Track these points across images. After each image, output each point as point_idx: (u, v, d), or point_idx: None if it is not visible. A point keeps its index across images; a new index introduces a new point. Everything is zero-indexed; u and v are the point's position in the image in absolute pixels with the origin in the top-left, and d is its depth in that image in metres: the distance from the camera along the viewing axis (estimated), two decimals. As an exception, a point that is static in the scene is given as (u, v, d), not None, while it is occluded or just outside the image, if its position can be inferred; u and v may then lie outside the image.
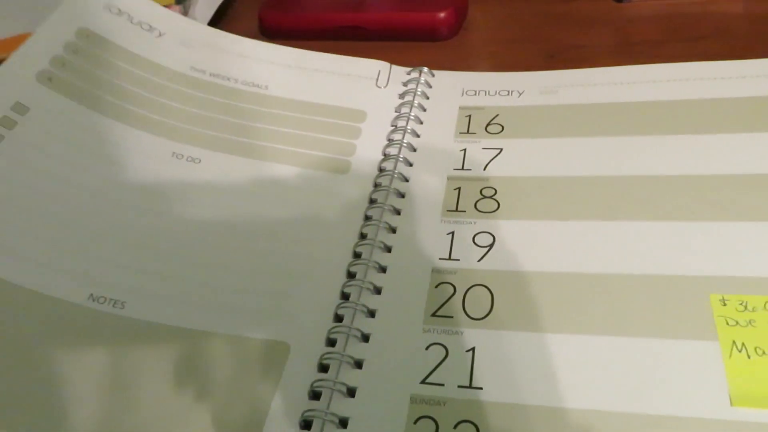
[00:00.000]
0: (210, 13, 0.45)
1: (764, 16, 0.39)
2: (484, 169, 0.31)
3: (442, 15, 0.41)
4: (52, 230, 0.27)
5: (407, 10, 0.42)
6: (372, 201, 0.30)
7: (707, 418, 0.21)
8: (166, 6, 0.45)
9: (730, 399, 0.21)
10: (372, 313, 0.25)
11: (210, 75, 0.35)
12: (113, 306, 0.26)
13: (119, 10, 0.36)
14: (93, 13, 0.35)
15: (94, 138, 0.31)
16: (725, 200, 0.27)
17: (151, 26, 0.36)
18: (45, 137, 0.30)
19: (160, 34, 0.36)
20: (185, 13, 0.44)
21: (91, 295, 0.26)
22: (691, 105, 0.32)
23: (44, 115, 0.31)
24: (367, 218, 0.29)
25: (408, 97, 0.35)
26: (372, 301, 0.26)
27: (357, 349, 0.24)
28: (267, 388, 0.24)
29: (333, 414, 0.22)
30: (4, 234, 0.27)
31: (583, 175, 0.29)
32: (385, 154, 0.32)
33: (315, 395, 0.23)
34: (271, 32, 0.45)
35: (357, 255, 0.28)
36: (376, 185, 0.31)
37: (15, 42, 0.39)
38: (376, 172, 0.31)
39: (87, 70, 0.33)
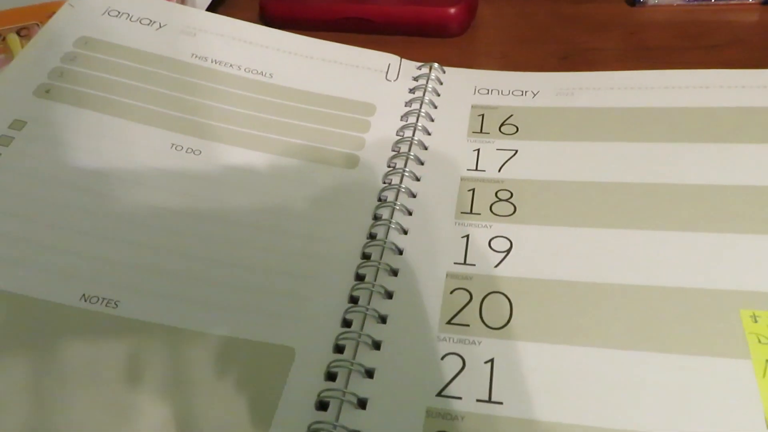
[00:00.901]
0: (209, -1, 0.43)
1: (780, 26, 0.39)
2: (499, 170, 0.30)
3: (452, 11, 0.40)
4: (45, 232, 0.26)
5: (416, 4, 0.41)
6: (381, 200, 0.29)
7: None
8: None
9: (766, 421, 0.20)
10: (383, 319, 0.24)
11: (212, 62, 0.34)
12: (106, 305, 0.24)
13: (118, 12, 0.34)
14: (92, 20, 0.34)
15: (89, 137, 0.29)
16: (752, 212, 0.26)
17: (151, 20, 0.34)
18: (40, 146, 0.29)
19: (160, 26, 0.34)
20: (184, -3, 0.42)
21: (84, 295, 0.24)
22: (714, 113, 0.31)
23: (40, 126, 0.29)
24: (377, 218, 0.28)
25: (419, 93, 0.34)
26: (383, 305, 0.24)
27: (367, 357, 0.23)
28: (270, 396, 0.22)
29: (342, 427, 0.21)
30: None
31: (604, 181, 0.28)
32: (394, 150, 0.31)
33: (322, 406, 0.22)
34: (272, 21, 0.44)
35: (366, 256, 0.26)
36: (386, 183, 0.29)
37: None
38: (385, 168, 0.30)
39: (85, 74, 0.32)
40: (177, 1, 0.41)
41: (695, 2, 0.41)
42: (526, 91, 0.34)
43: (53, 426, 0.21)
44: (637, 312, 0.23)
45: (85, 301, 0.24)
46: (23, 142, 0.29)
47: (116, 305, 0.24)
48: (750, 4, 0.40)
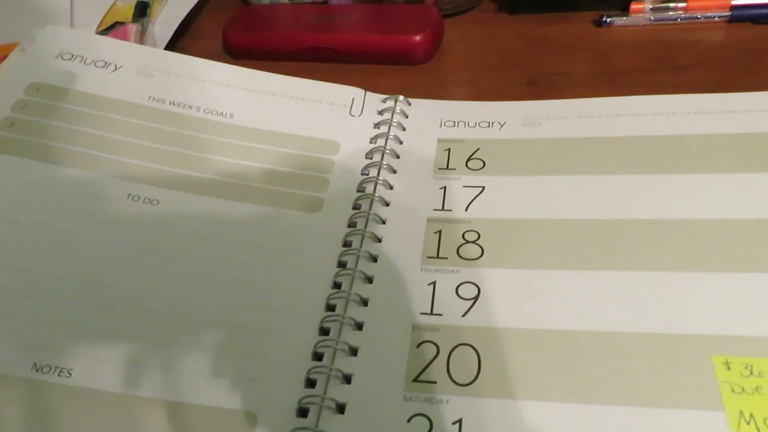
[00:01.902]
0: (170, 32, 0.42)
1: (746, 45, 0.39)
2: (466, 209, 0.29)
3: (418, 38, 0.39)
4: None
5: (381, 33, 0.40)
6: (346, 244, 0.28)
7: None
8: (123, 23, 0.42)
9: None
10: (348, 379, 0.23)
11: (170, 104, 0.33)
12: (59, 375, 0.23)
13: (72, 55, 0.33)
14: (44, 65, 0.33)
15: (41, 191, 0.28)
16: (724, 248, 0.25)
17: (105, 62, 0.33)
18: None
19: (115, 68, 0.33)
20: (143, 32, 0.41)
21: (35, 364, 0.23)
22: (682, 141, 0.30)
23: None
24: (341, 265, 0.27)
25: (383, 128, 0.33)
26: (347, 364, 0.23)
27: (332, 422, 0.22)
28: (231, 467, 0.21)
29: (306, 500, 0.20)
30: None
31: (570, 218, 0.28)
32: (359, 191, 0.30)
33: (286, 476, 0.21)
34: (235, 52, 0.43)
35: (330, 308, 0.25)
36: (351, 225, 0.29)
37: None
38: (350, 211, 0.29)
39: (37, 124, 0.31)
40: (135, 39, 0.40)
41: (661, 21, 0.41)
42: (492, 123, 0.33)
43: None
44: (608, 362, 0.23)
45: (37, 371, 0.23)
46: None
47: (69, 374, 0.23)
48: (716, 22, 0.40)
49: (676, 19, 0.41)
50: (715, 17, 0.40)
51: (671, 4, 0.41)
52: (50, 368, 0.23)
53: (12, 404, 0.22)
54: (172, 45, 0.43)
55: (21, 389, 0.23)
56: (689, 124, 0.31)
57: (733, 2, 0.40)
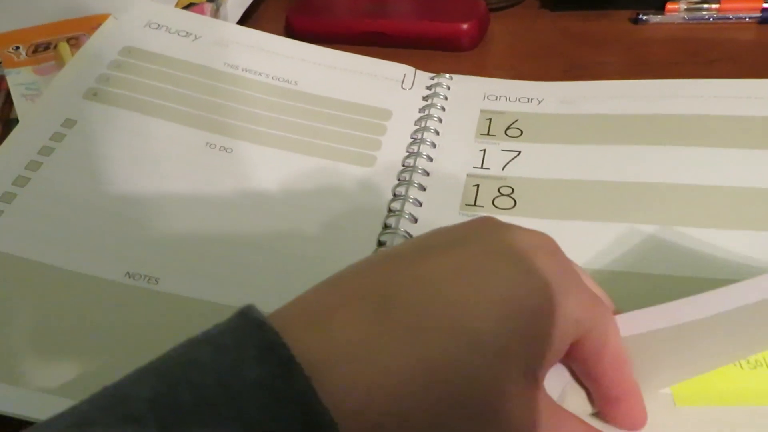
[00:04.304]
0: (240, 12, 0.47)
1: (775, 42, 0.41)
2: (503, 169, 0.32)
3: (465, 26, 0.43)
4: (94, 218, 0.29)
5: (431, 20, 0.44)
6: (396, 195, 0.31)
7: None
8: (197, 3, 0.46)
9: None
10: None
11: (242, 70, 0.37)
12: (147, 282, 0.27)
13: (158, 25, 0.38)
14: (134, 32, 0.38)
15: (133, 134, 0.33)
16: (735, 210, 0.28)
17: (187, 32, 0.38)
18: (89, 142, 0.32)
19: (196, 38, 0.38)
20: (216, 10, 0.46)
21: (128, 272, 0.27)
22: (706, 120, 0.33)
23: (89, 125, 0.33)
24: (391, 210, 0.31)
25: (431, 99, 0.37)
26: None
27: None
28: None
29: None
30: (50, 225, 0.29)
31: (596, 179, 0.31)
32: (408, 151, 0.34)
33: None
34: (297, 34, 0.47)
35: (381, 244, 0.29)
36: (400, 180, 0.32)
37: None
38: (399, 167, 0.33)
39: (130, 80, 0.35)
40: (211, 15, 0.45)
41: (695, 20, 0.44)
42: (532, 99, 0.37)
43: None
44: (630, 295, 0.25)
45: (129, 277, 0.27)
46: (74, 138, 0.32)
47: (157, 282, 0.27)
48: (747, 22, 0.43)
49: (709, 19, 0.43)
50: (746, 18, 0.43)
51: (705, 5, 0.43)
52: (140, 276, 0.27)
53: (105, 304, 0.26)
54: (241, 25, 0.47)
55: (113, 292, 0.27)
56: (713, 105, 0.34)
57: (765, 4, 0.42)
